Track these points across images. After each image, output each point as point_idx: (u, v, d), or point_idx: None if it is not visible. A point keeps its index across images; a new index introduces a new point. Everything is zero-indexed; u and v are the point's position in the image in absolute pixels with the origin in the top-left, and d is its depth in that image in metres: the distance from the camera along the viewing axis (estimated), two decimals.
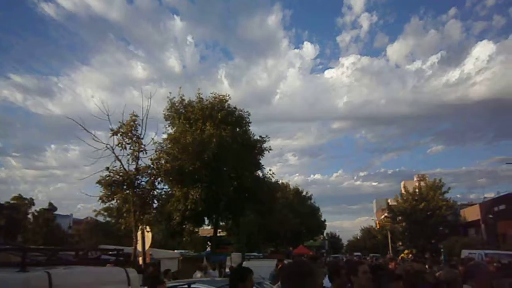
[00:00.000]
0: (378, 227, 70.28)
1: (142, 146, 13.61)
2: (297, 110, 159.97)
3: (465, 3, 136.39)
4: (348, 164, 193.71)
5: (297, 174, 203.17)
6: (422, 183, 46.81)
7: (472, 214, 40.99)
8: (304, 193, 51.69)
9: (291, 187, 49.46)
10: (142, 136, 13.60)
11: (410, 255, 42.77)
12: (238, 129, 22.21)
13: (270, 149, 23.26)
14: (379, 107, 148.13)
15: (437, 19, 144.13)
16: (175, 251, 26.95)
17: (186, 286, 6.85)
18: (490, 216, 34.28)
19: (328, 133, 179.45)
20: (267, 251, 40.04)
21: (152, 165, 14.09)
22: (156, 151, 14.91)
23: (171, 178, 16.18)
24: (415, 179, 63.74)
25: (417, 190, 44.48)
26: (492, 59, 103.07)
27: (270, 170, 24.80)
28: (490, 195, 41.90)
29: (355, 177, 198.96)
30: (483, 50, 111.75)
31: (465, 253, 21.29)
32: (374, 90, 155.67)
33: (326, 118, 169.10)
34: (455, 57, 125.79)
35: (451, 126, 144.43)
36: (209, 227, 25.98)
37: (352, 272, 4.41)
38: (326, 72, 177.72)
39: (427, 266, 11.77)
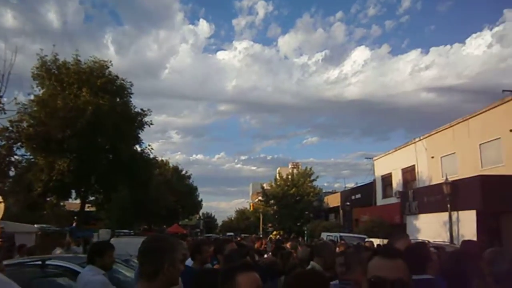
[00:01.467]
0: (252, 209, 73.69)
1: (1, 105, 12.00)
2: (186, 87, 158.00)
3: (350, 9, 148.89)
4: (230, 147, 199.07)
5: (179, 153, 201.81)
6: (295, 171, 50.49)
7: (334, 201, 45.45)
8: (183, 172, 51.55)
9: (171, 165, 48.89)
10: (1, 94, 11.95)
11: (278, 236, 45.99)
12: (118, 99, 20.98)
13: (151, 124, 22.59)
14: (265, 95, 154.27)
15: (326, 20, 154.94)
16: (35, 225, 24.62)
17: (40, 262, 6.16)
18: (347, 203, 38.45)
19: (214, 114, 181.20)
20: (140, 229, 39.03)
21: (11, 128, 12.54)
22: (18, 113, 13.31)
23: (34, 145, 14.62)
24: (289, 166, 68.39)
25: (289, 177, 47.74)
26: (366, 64, 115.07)
27: (149, 145, 23.99)
28: (351, 185, 47.02)
29: (236, 160, 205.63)
30: (360, 54, 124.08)
31: (324, 235, 23.66)
32: (263, 77, 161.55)
33: (213, 99, 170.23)
34: (337, 58, 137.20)
35: (326, 120, 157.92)
36: (77, 201, 24.23)
37: (219, 251, 4.47)
38: (218, 53, 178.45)
39: (288, 246, 12.64)
